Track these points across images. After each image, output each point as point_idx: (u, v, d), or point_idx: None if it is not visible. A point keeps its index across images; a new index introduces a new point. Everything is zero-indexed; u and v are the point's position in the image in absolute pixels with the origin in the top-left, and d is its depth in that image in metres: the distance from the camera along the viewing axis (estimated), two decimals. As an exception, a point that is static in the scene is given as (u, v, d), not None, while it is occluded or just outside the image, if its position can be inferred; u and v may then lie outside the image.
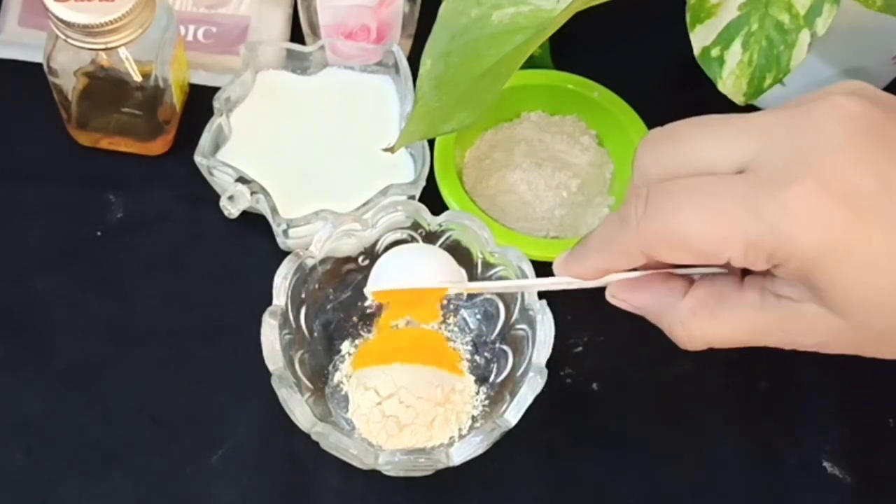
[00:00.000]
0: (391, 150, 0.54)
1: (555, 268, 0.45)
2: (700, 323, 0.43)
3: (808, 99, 0.40)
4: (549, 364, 0.51)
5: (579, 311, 0.59)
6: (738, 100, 0.54)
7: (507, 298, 0.55)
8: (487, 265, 0.55)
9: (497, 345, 0.56)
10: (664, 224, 0.40)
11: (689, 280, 0.43)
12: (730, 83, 0.56)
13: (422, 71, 0.54)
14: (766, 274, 0.41)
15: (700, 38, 0.54)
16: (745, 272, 0.42)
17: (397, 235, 0.56)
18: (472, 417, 0.54)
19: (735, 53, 0.54)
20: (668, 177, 0.41)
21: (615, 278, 0.44)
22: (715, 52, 0.54)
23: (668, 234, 0.40)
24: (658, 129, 0.42)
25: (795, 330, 0.42)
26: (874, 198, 0.38)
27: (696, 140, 0.41)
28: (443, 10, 0.54)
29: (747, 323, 0.42)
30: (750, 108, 0.55)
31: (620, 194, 0.61)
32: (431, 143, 0.59)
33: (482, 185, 0.61)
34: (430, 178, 0.59)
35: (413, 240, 0.56)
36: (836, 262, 0.38)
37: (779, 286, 0.41)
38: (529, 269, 0.53)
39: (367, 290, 0.49)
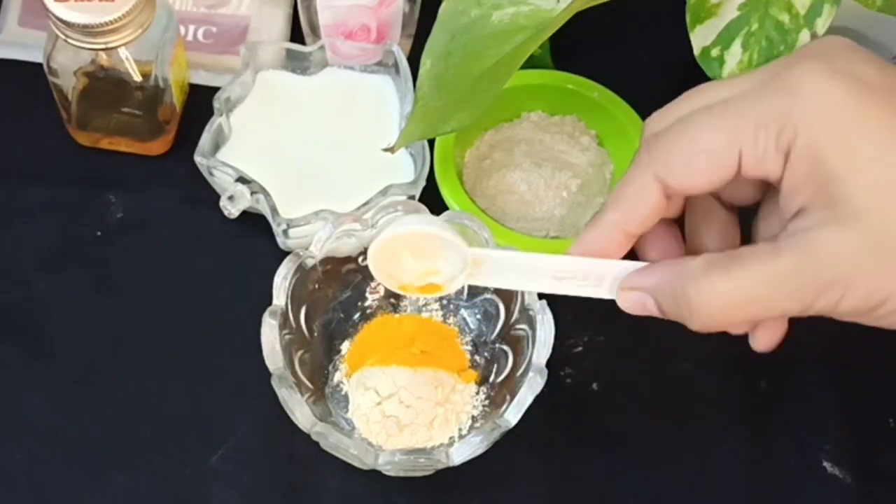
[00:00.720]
0: (391, 150, 0.54)
1: (570, 250, 0.44)
2: (714, 283, 0.40)
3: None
4: (549, 364, 0.51)
5: (579, 311, 0.59)
6: None
7: (507, 298, 0.55)
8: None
9: (497, 345, 0.56)
10: (676, 137, 0.40)
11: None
12: None
13: (422, 71, 0.54)
14: (780, 227, 0.40)
15: (700, 37, 0.54)
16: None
17: (397, 235, 0.56)
18: (472, 417, 0.55)
19: (735, 53, 0.54)
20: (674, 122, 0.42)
21: (630, 267, 0.43)
22: (715, 52, 0.54)
23: (681, 145, 0.40)
24: (658, 113, 0.43)
25: (816, 266, 0.39)
26: (878, 84, 0.38)
27: (698, 93, 0.42)
28: (443, 9, 0.54)
29: (764, 276, 0.40)
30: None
31: None
32: (431, 143, 0.59)
33: (482, 185, 0.61)
34: (430, 178, 0.59)
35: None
36: (843, 135, 0.38)
37: (790, 227, 0.39)
38: (529, 269, 0.53)
39: (372, 248, 0.45)
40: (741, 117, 0.39)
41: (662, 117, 0.43)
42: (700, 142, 0.40)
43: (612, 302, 0.60)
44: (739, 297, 0.40)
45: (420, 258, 0.45)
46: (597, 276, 0.44)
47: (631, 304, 0.44)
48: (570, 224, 0.60)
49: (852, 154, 0.38)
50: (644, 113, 0.62)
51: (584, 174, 0.61)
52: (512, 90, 0.60)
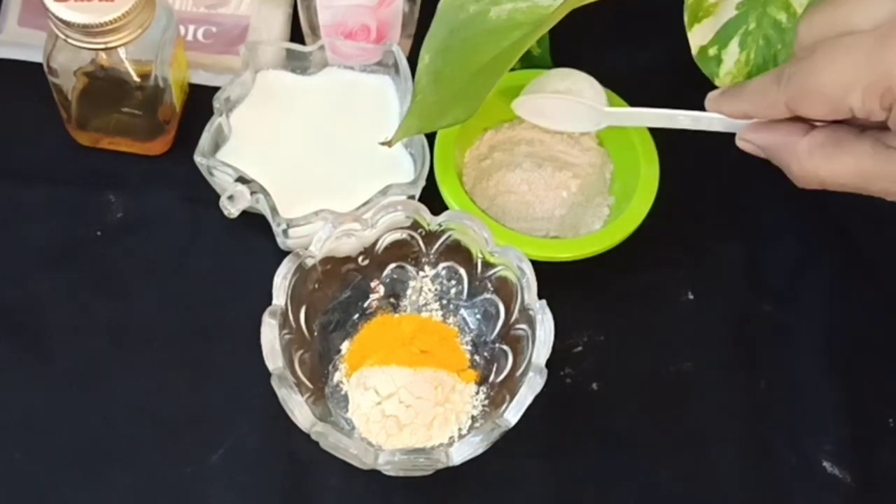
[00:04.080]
0: (388, 143, 0.54)
1: (707, 102, 0.51)
2: (815, 163, 0.48)
3: None
4: (549, 364, 0.51)
5: (579, 311, 0.59)
6: None
7: (507, 298, 0.55)
8: (487, 265, 0.55)
9: (497, 345, 0.56)
10: (805, 79, 0.46)
11: (810, 125, 0.48)
12: (727, 82, 0.56)
13: (420, 65, 0.54)
14: (882, 129, 0.46)
15: (698, 37, 0.54)
16: (865, 129, 0.47)
17: (397, 235, 0.56)
18: (472, 417, 0.55)
19: (732, 53, 0.54)
20: (820, 39, 0.46)
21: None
22: (713, 51, 0.55)
23: (807, 87, 0.46)
24: (810, 14, 0.47)
25: None
26: None
27: (847, 4, 0.46)
28: (442, 5, 0.54)
29: (858, 167, 0.47)
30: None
31: (621, 194, 0.61)
32: (431, 142, 0.59)
33: (482, 185, 0.61)
34: (430, 177, 0.59)
35: (413, 239, 0.56)
36: None
37: (891, 138, 0.45)
38: (529, 269, 0.53)
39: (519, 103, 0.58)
40: (855, 74, 0.44)
41: (809, 27, 0.47)
42: (820, 92, 0.46)
43: (612, 301, 0.61)
44: (835, 176, 0.48)
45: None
46: (714, 122, 0.52)
47: (745, 148, 0.51)
48: (570, 224, 0.60)
49: None
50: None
51: (585, 174, 0.61)
52: (513, 90, 0.60)
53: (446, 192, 0.59)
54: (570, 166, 0.61)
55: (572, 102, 0.58)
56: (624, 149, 0.61)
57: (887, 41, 0.43)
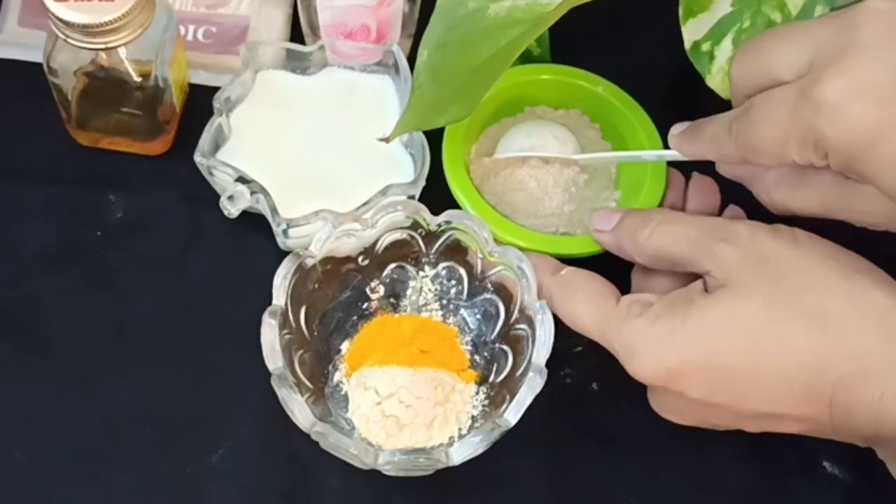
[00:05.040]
0: (387, 140, 0.54)
1: (670, 139, 0.54)
2: (781, 194, 0.51)
3: (855, 5, 0.45)
4: (549, 364, 0.51)
5: (579, 310, 0.59)
6: (727, 95, 0.54)
7: (507, 298, 0.55)
8: (487, 264, 0.55)
9: (497, 345, 0.56)
10: (746, 136, 0.48)
11: None
12: (718, 79, 0.56)
13: (419, 62, 0.54)
14: None
15: (692, 32, 0.54)
16: None
17: (397, 235, 0.56)
18: (472, 417, 0.54)
19: (725, 49, 0.54)
20: (752, 88, 0.48)
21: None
22: (706, 47, 0.55)
23: (750, 142, 0.47)
24: (746, 43, 0.49)
25: (858, 208, 0.50)
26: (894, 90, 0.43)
27: (770, 51, 0.47)
28: (441, 1, 0.54)
29: (822, 197, 0.50)
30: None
31: (627, 188, 0.61)
32: (431, 142, 0.59)
33: (490, 181, 0.61)
34: (430, 177, 0.58)
35: (413, 239, 0.56)
36: (868, 153, 0.43)
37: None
38: (529, 269, 0.53)
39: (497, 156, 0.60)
40: (786, 132, 0.46)
41: (744, 64, 0.49)
42: (763, 151, 0.47)
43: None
44: (800, 206, 0.51)
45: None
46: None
47: (726, 175, 0.55)
48: (579, 219, 0.60)
49: (881, 164, 0.44)
50: (646, 108, 0.62)
51: (591, 169, 0.61)
52: (515, 85, 0.60)
53: (456, 188, 0.58)
54: (576, 161, 0.61)
55: (539, 159, 0.60)
56: (629, 143, 0.61)
57: (807, 95, 0.44)
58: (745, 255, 0.48)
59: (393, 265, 0.57)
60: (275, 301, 0.52)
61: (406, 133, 0.55)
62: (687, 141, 0.53)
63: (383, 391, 0.53)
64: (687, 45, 0.55)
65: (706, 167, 0.56)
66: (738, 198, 0.56)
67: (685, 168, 0.58)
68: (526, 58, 0.63)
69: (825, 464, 0.57)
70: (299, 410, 0.50)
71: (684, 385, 0.48)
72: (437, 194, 0.59)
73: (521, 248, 0.55)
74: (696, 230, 0.51)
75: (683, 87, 0.64)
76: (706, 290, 0.49)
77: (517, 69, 0.61)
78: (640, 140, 0.60)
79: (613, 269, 0.55)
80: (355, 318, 0.57)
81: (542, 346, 0.52)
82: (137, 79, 0.58)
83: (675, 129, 0.53)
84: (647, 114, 0.61)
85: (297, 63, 0.62)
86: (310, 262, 0.54)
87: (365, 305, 0.58)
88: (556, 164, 0.60)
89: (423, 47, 0.54)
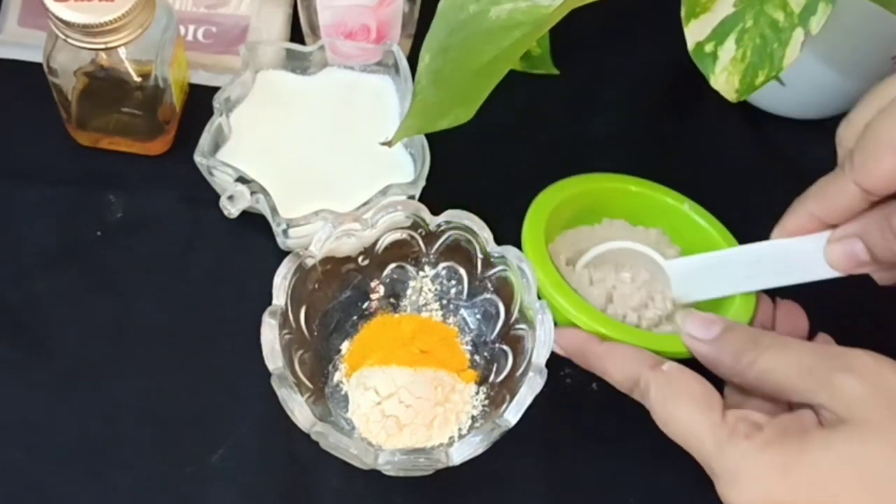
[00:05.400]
0: (389, 144, 0.54)
1: (773, 233, 0.51)
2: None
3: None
4: (549, 364, 0.51)
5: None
6: (731, 96, 0.54)
7: (507, 298, 0.55)
8: (488, 265, 0.55)
9: (497, 345, 0.56)
10: (864, 145, 0.46)
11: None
12: (722, 79, 0.56)
13: (420, 65, 0.54)
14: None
15: (694, 33, 0.54)
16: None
17: (397, 235, 0.56)
18: (472, 417, 0.54)
19: (729, 50, 0.54)
20: (867, 124, 0.46)
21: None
22: (709, 48, 0.54)
23: (868, 148, 0.46)
24: (844, 124, 0.48)
25: None
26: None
27: (880, 93, 0.47)
28: (442, 4, 0.54)
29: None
30: (742, 105, 0.56)
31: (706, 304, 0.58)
32: (432, 142, 0.59)
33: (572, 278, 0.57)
34: (430, 177, 0.58)
35: (413, 239, 0.56)
36: None
37: None
38: (529, 269, 0.53)
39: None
40: None
41: (850, 126, 0.48)
42: (884, 140, 0.45)
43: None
44: None
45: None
46: (797, 253, 0.51)
47: (840, 254, 0.50)
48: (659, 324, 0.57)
49: None
50: (644, 112, 0.62)
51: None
52: (593, 192, 0.58)
53: (549, 286, 0.54)
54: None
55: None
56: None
57: None
58: (871, 389, 0.44)
59: (393, 265, 0.57)
60: (275, 301, 0.52)
61: (408, 137, 0.55)
62: (790, 213, 0.51)
63: (383, 391, 0.53)
64: (690, 46, 0.55)
65: (790, 292, 0.54)
66: (825, 326, 0.54)
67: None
68: (526, 59, 0.63)
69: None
70: (299, 410, 0.50)
71: None
72: (437, 194, 0.59)
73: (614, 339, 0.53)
74: (811, 358, 0.46)
75: (684, 88, 0.64)
76: (820, 423, 0.45)
77: (603, 176, 0.59)
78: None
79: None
80: (355, 318, 0.57)
81: (543, 346, 0.52)
82: (137, 79, 0.58)
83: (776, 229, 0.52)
84: (731, 234, 0.58)
85: (297, 63, 0.62)
86: (310, 262, 0.54)
87: (365, 305, 0.58)
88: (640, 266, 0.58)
89: (424, 51, 0.54)
